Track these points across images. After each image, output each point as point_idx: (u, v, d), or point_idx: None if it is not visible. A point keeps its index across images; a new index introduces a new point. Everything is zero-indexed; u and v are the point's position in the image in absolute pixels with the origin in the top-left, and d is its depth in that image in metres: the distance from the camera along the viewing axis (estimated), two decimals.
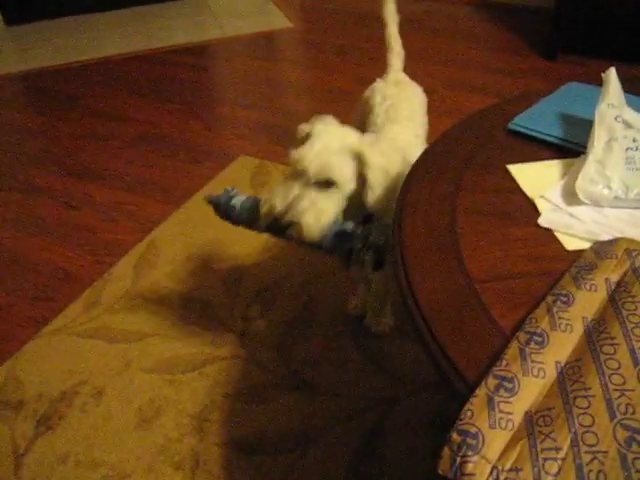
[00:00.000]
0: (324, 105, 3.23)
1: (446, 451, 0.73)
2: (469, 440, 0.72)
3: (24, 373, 1.92)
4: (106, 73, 3.99)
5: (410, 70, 2.08)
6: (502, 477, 0.69)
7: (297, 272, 2.18)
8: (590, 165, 1.08)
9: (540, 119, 1.28)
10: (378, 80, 2.00)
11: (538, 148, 1.23)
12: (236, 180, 2.72)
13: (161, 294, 2.15)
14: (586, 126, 1.13)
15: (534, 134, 1.25)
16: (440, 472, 0.73)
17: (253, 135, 3.14)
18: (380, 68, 2.07)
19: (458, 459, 0.71)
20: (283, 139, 2.79)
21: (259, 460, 1.61)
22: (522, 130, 1.27)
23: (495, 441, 0.72)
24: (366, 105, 1.92)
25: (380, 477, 1.55)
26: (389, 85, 1.94)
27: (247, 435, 1.67)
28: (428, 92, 2.01)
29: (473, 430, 0.73)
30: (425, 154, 1.25)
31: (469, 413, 0.75)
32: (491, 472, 0.70)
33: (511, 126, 1.29)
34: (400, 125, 1.74)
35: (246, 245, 2.31)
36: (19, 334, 2.08)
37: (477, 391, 0.77)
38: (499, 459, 0.71)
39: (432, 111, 2.00)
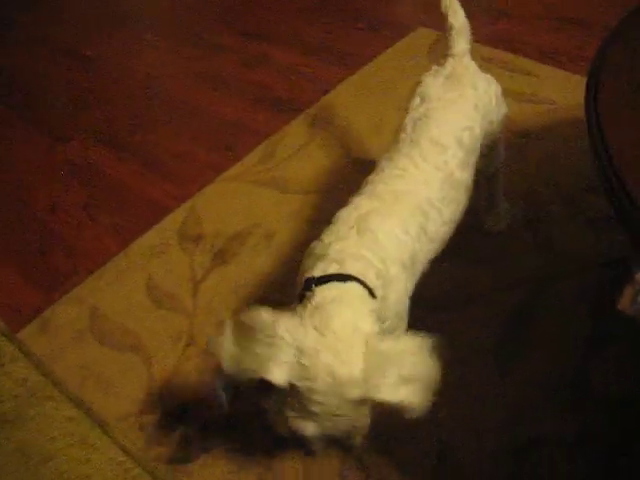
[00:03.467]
0: None
1: (628, 289, 0.74)
2: None
3: (203, 212, 2.07)
4: None
5: None
6: None
7: None
8: None
9: None
10: (433, 68, 1.54)
11: None
12: (413, 51, 2.68)
13: (334, 152, 2.21)
14: None
15: None
16: (619, 308, 0.74)
17: (433, 7, 3.05)
18: None
19: None
20: (468, 13, 2.70)
21: (418, 313, 1.67)
22: None
23: None
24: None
25: (527, 347, 1.58)
26: (439, 79, 1.49)
27: None
28: None
29: None
30: (633, 14, 1.18)
31: None
32: None
33: None
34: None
35: None
36: (199, 178, 2.23)
37: None
38: None
39: None
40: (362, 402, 1.03)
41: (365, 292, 1.12)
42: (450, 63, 1.52)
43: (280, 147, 2.26)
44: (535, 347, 1.57)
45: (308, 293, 1.11)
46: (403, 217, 1.26)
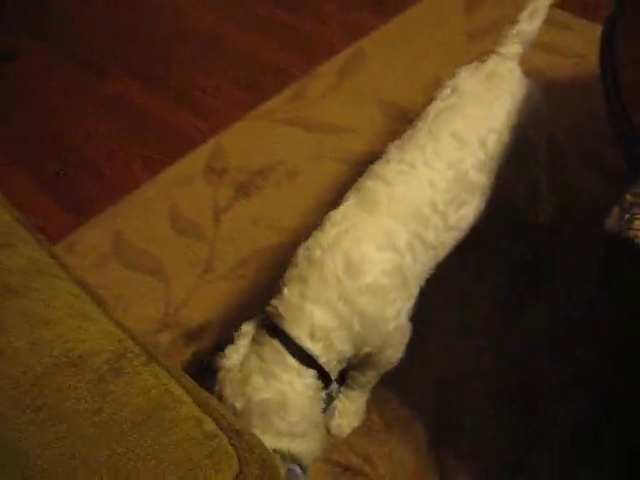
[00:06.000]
0: None
1: (616, 209, 0.76)
2: None
3: (229, 147, 2.12)
4: None
5: None
6: None
7: None
8: None
9: None
10: (473, 64, 1.41)
11: None
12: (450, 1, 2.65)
13: (362, 96, 2.22)
14: None
15: None
16: (606, 227, 0.77)
17: None
18: None
19: (627, 216, 0.75)
20: None
21: None
22: None
23: None
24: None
25: (532, 296, 1.59)
26: (477, 76, 1.37)
27: None
28: None
29: None
30: None
31: None
32: None
33: None
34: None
35: (449, 58, 2.28)
36: (228, 115, 2.27)
37: None
38: None
39: None
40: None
41: (285, 356, 1.13)
42: (494, 61, 1.39)
43: (309, 89, 2.28)
44: (540, 295, 1.60)
45: (259, 334, 1.18)
46: (391, 229, 1.19)
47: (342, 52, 2.44)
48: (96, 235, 1.94)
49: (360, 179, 1.28)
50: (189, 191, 2.00)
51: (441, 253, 1.28)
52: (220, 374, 1.16)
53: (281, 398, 1.11)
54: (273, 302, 1.19)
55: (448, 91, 1.35)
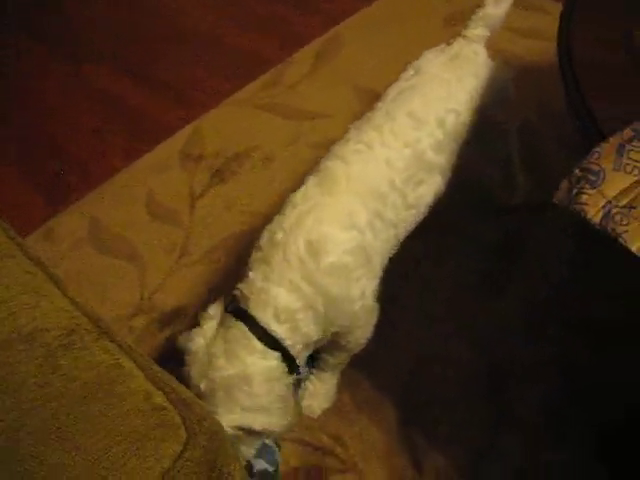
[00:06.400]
0: None
1: (565, 183, 0.77)
2: (590, 176, 0.76)
3: (206, 133, 2.13)
4: None
5: None
6: (614, 211, 0.73)
7: None
8: None
9: None
10: (440, 46, 1.42)
11: None
12: None
13: (339, 81, 2.23)
14: None
15: None
16: (554, 201, 0.78)
17: None
18: None
19: (575, 190, 0.76)
20: None
21: None
22: None
23: (616, 181, 0.75)
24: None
25: (507, 280, 1.61)
26: (441, 58, 1.38)
27: None
28: None
29: (595, 168, 0.76)
30: None
31: (596, 155, 0.77)
32: (604, 205, 0.73)
33: None
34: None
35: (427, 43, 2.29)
36: (207, 101, 2.28)
37: (610, 139, 0.79)
38: (616, 197, 0.74)
39: None
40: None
41: (251, 339, 1.13)
42: (459, 43, 1.40)
43: (285, 75, 2.29)
44: (514, 277, 1.61)
45: (225, 318, 1.18)
46: (350, 208, 1.19)
47: (317, 39, 2.43)
48: (73, 222, 1.95)
49: (321, 161, 1.29)
50: (166, 177, 2.01)
51: (402, 232, 1.29)
52: (187, 357, 1.17)
53: (244, 372, 1.11)
54: (239, 285, 1.19)
55: (410, 72, 1.37)
